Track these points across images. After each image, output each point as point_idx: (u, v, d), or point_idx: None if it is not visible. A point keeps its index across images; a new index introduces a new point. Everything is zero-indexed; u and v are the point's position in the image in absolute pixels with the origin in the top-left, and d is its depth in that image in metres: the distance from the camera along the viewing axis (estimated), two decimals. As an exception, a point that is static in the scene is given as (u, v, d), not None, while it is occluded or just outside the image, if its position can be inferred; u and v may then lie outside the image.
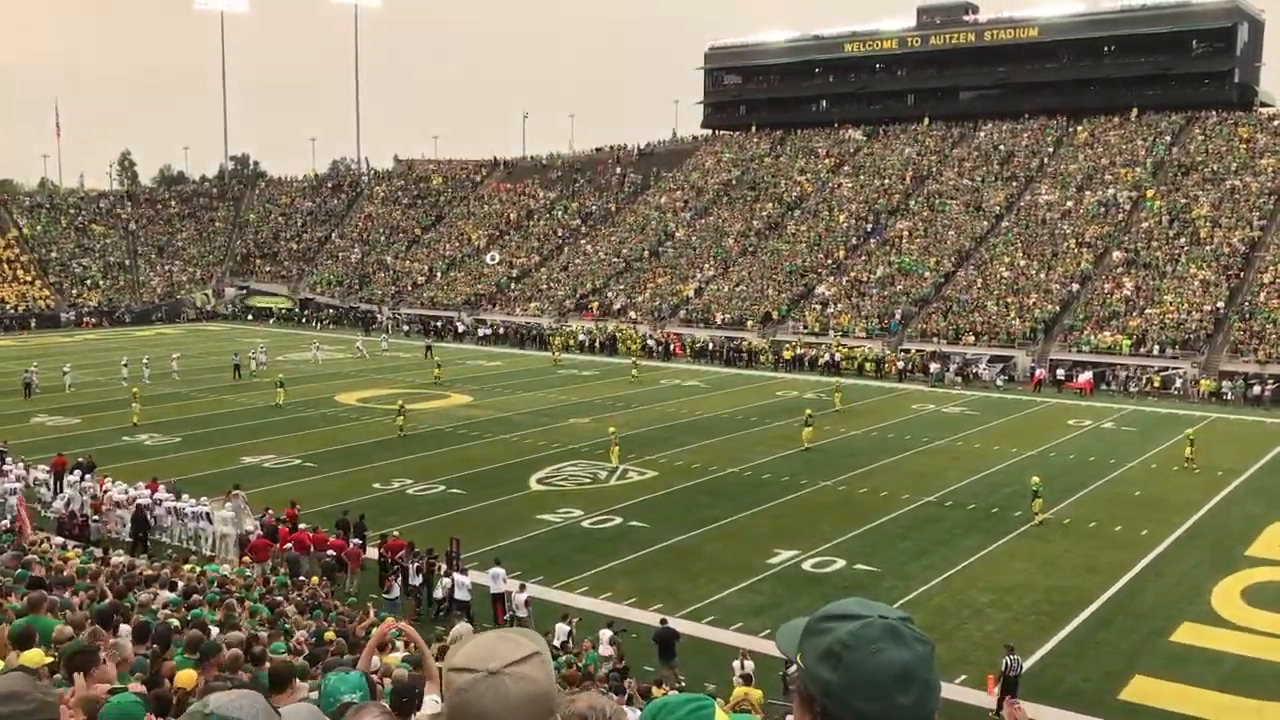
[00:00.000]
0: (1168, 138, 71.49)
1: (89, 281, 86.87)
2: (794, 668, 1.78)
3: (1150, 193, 66.14)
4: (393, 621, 7.59)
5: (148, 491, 27.49)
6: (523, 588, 21.01)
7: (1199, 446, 34.84)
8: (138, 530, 26.11)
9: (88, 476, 29.11)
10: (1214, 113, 72.09)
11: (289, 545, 23.94)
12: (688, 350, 62.86)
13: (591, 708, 2.20)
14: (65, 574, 14.03)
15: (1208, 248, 59.46)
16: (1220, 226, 60.82)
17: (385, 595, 21.82)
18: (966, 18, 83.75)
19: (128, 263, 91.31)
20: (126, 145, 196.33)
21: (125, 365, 52.06)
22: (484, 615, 21.30)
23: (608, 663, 17.74)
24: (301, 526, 24.76)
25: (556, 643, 18.46)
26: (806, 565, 24.44)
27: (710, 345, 62.69)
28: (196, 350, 64.65)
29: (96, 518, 27.03)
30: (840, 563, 24.61)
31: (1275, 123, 69.92)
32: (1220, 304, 55.01)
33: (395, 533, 24.58)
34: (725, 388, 51.82)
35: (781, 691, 15.82)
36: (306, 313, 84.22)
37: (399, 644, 12.95)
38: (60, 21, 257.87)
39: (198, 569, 19.76)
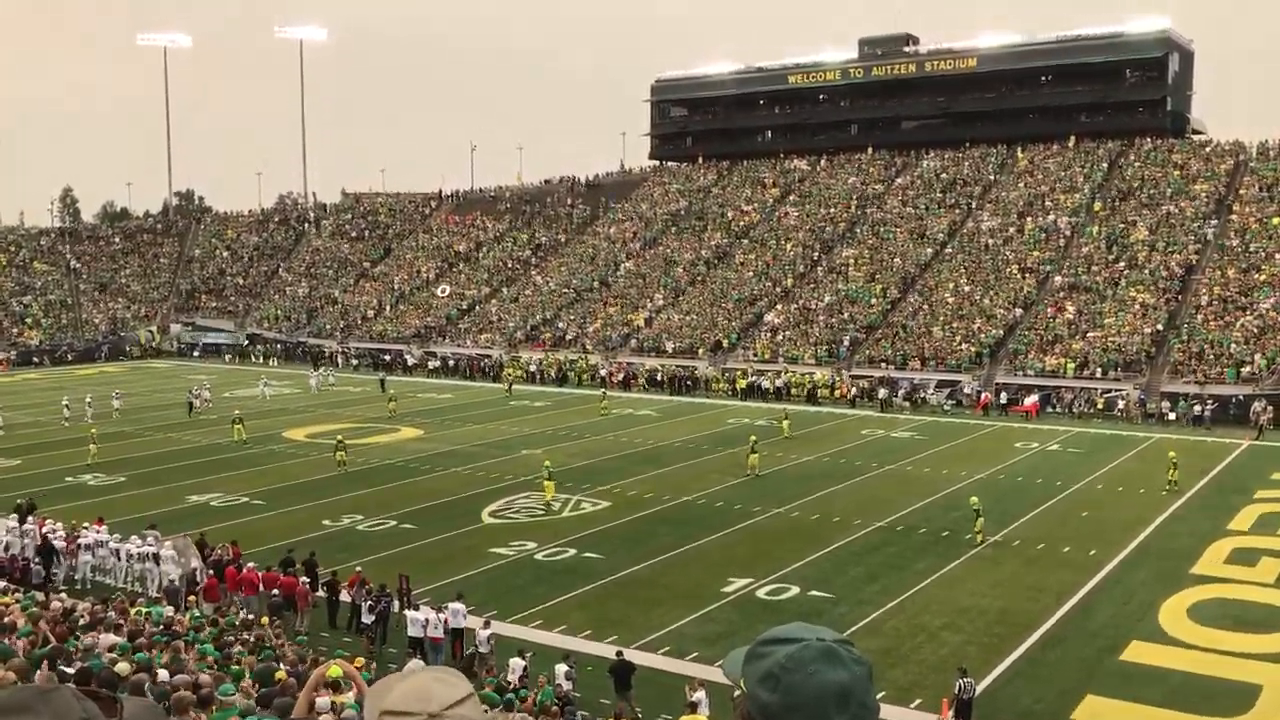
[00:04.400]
0: (1105, 164, 73.10)
1: (30, 320, 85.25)
2: (738, 693, 1.81)
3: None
4: (337, 662, 7.48)
5: (96, 530, 26.97)
6: (487, 624, 20.79)
7: (1180, 468, 35.33)
8: (45, 562, 25.96)
9: (29, 519, 28.46)
10: (1149, 139, 73.88)
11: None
12: (641, 379, 62.88)
13: None
14: (6, 620, 13.70)
15: (1146, 271, 60.74)
16: (1157, 250, 62.20)
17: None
18: (907, 49, 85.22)
19: (70, 300, 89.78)
20: (68, 182, 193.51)
21: (67, 405, 51.14)
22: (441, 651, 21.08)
23: (564, 697, 17.61)
24: (250, 565, 24.37)
25: (512, 677, 18.31)
26: (761, 593, 24.47)
27: (661, 374, 62.81)
28: (142, 388, 63.60)
29: (38, 561, 26.44)
30: (794, 589, 24.67)
31: (1207, 149, 71.78)
32: (1159, 326, 56.16)
33: (358, 568, 24.32)
34: (677, 416, 51.92)
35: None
36: (256, 348, 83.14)
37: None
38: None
39: (143, 611, 19.37)
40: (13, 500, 31.16)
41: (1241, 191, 65.64)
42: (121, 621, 16.18)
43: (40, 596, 19.40)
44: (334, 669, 5.80)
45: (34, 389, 64.05)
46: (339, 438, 40.58)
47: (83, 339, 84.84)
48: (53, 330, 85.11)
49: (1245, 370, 51.11)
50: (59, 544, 26.62)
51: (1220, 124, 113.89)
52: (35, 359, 79.63)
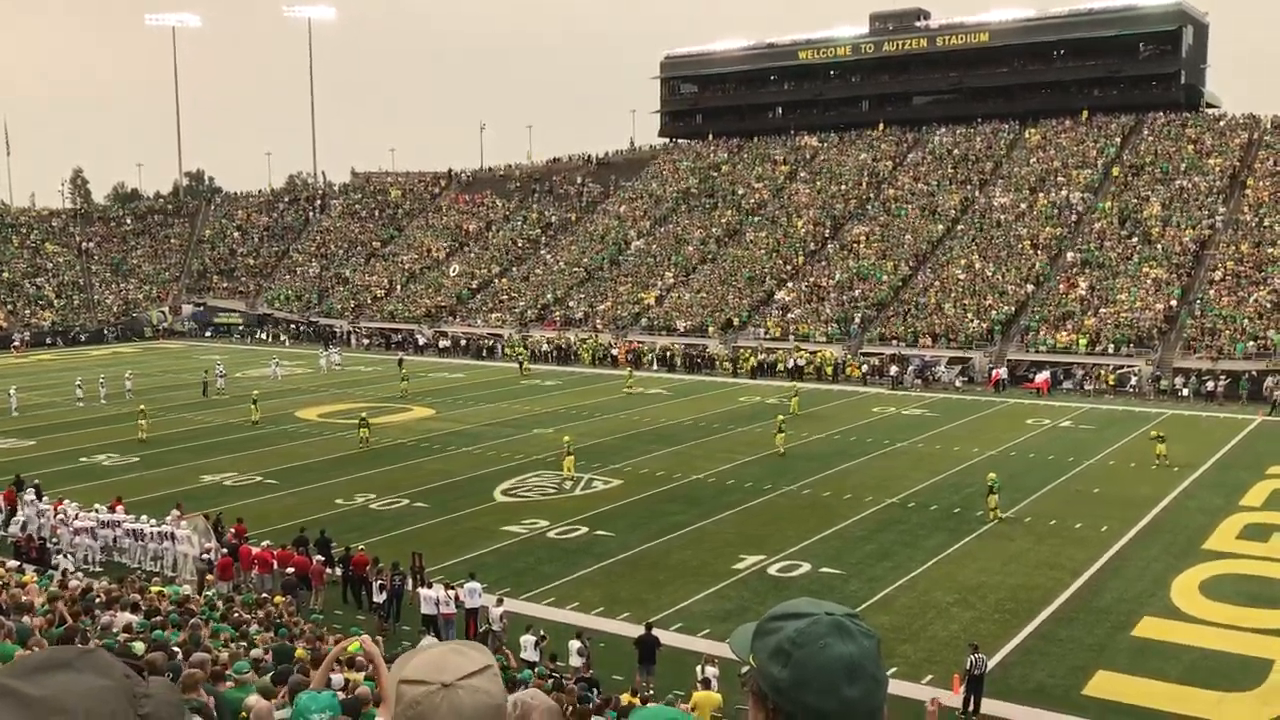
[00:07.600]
0: (1118, 139, 72.61)
1: (42, 301, 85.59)
2: (747, 669, 1.82)
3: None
4: (359, 637, 7.53)
5: (106, 512, 27.13)
6: (500, 601, 20.92)
7: (1168, 443, 35.22)
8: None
9: (44, 499, 28.67)
10: (1162, 114, 73.33)
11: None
12: (647, 358, 62.82)
13: (515, 702, 2.28)
14: (24, 600, 13.82)
15: (1159, 247, 60.42)
16: (1171, 226, 61.83)
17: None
18: (918, 24, 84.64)
19: (82, 282, 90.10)
20: (78, 163, 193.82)
21: (80, 386, 51.46)
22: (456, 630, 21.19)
23: (576, 672, 17.70)
24: (265, 544, 24.53)
25: (523, 655, 18.41)
26: (772, 570, 24.53)
27: (672, 353, 62.76)
28: (154, 369, 63.86)
29: (55, 541, 26.64)
30: (806, 566, 24.73)
31: (1221, 123, 71.23)
32: (1173, 302, 55.89)
33: (360, 548, 24.43)
34: (689, 394, 51.93)
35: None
36: (265, 329, 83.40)
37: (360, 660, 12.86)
38: (8, 38, 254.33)
39: (159, 590, 19.52)
40: (27, 481, 31.33)
41: (1256, 166, 65.17)
42: (139, 601, 16.32)
43: (58, 576, 19.56)
44: (354, 644, 5.86)
45: (47, 370, 64.35)
46: (362, 415, 40.76)
47: (95, 320, 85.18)
48: (65, 311, 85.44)
49: (1253, 345, 50.84)
50: (63, 528, 26.74)
51: (1235, 98, 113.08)
52: (48, 340, 79.96)
